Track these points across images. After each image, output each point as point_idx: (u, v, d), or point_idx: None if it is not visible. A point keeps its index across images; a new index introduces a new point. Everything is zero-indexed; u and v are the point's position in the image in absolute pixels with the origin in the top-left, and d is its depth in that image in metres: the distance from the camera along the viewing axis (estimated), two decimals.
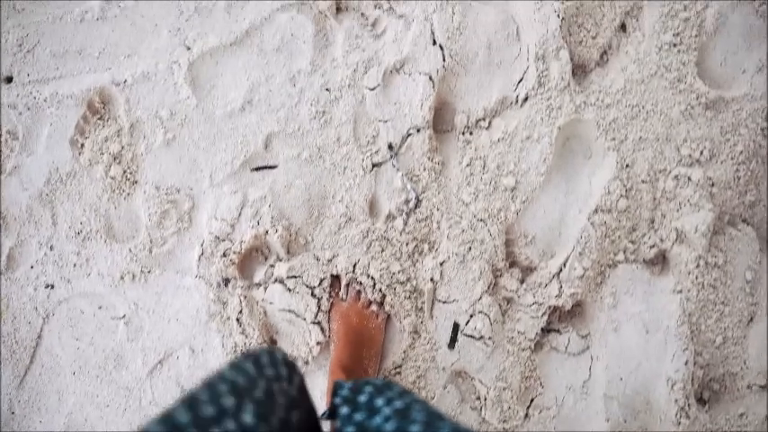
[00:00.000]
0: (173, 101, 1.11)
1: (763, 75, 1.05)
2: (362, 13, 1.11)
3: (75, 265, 1.10)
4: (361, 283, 1.02)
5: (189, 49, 1.11)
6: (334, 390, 0.69)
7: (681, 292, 1.03)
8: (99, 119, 1.12)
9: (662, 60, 1.05)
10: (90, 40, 1.14)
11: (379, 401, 0.61)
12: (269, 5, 1.11)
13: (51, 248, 1.11)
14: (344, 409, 0.63)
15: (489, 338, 1.03)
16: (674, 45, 1.04)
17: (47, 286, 1.10)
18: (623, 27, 1.09)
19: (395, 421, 0.55)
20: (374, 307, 1.02)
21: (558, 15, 1.04)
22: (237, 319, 1.05)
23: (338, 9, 1.11)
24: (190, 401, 0.49)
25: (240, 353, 0.64)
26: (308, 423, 0.61)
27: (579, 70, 1.10)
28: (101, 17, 1.14)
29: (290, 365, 0.62)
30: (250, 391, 0.53)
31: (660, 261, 1.08)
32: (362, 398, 0.63)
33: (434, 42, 1.07)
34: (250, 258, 1.10)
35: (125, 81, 1.12)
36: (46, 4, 1.14)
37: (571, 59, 1.07)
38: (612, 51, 1.09)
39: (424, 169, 1.07)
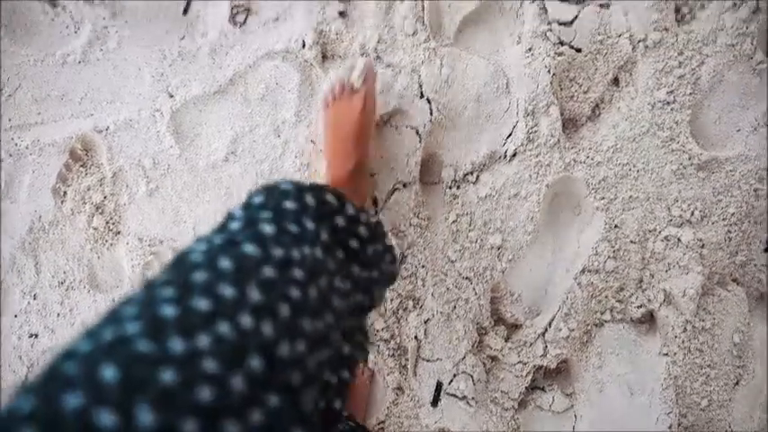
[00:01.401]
0: (156, 150, 1.09)
1: (758, 134, 1.03)
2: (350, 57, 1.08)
3: (58, 314, 1.10)
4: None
5: (172, 96, 1.09)
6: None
7: (667, 355, 1.02)
8: (81, 166, 1.11)
9: (655, 118, 1.02)
10: (72, 85, 1.11)
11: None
12: (253, 53, 1.08)
13: (35, 297, 1.10)
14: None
15: (473, 398, 1.02)
16: (668, 103, 1.02)
17: (30, 336, 1.10)
18: (616, 81, 1.06)
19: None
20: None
21: (549, 71, 1.01)
22: None
23: (324, 57, 1.08)
24: (182, 282, 0.40)
25: (262, 194, 0.55)
26: (340, 280, 0.52)
27: (570, 124, 1.07)
28: (83, 60, 1.11)
29: (322, 213, 0.54)
30: (258, 267, 0.43)
31: (648, 320, 1.07)
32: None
33: (422, 95, 1.05)
34: None
35: (107, 128, 1.10)
36: (27, 47, 1.11)
37: (562, 114, 1.04)
38: (605, 105, 1.06)
39: (410, 225, 1.05)
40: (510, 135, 1.04)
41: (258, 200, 0.53)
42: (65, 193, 1.10)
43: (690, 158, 1.02)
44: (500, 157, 1.05)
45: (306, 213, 0.52)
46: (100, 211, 1.09)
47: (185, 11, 1.11)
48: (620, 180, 1.04)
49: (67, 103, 1.11)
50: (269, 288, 0.42)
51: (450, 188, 1.06)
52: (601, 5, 1.03)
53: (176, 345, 0.34)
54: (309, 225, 0.51)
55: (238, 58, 1.09)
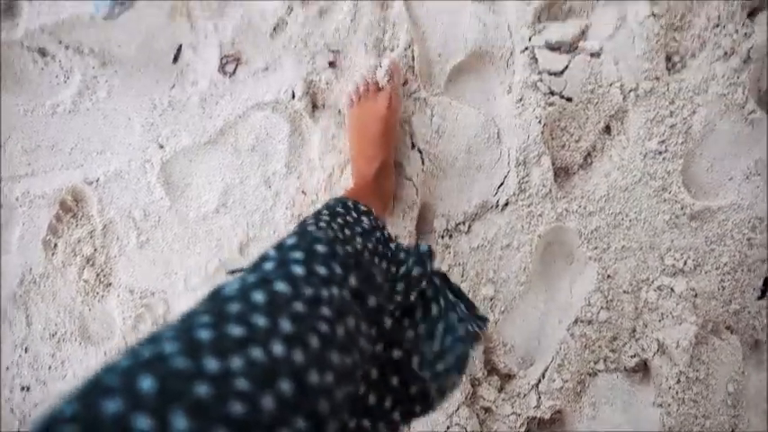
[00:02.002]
0: (146, 201, 1.09)
1: (751, 183, 1.02)
2: (339, 111, 1.07)
3: (50, 367, 1.09)
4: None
5: (162, 147, 1.09)
6: None
7: (661, 406, 1.01)
8: (72, 216, 1.10)
9: (647, 168, 1.02)
10: (62, 135, 1.11)
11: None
12: (243, 103, 1.08)
13: (26, 350, 1.10)
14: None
15: None
16: (660, 153, 1.01)
17: (22, 388, 1.10)
18: (608, 129, 1.05)
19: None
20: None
21: (540, 121, 1.00)
22: None
23: (314, 106, 1.07)
24: (218, 311, 0.42)
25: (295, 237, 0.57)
26: (367, 326, 0.54)
27: (562, 172, 1.07)
28: (73, 110, 1.11)
29: (348, 258, 0.56)
30: (289, 303, 0.45)
31: (641, 369, 1.07)
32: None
33: (413, 146, 1.04)
34: None
35: (98, 179, 1.09)
36: (17, 97, 1.11)
37: (553, 163, 1.04)
38: (596, 154, 1.06)
39: None
40: (501, 185, 1.04)
41: (291, 241, 0.55)
42: (55, 245, 1.10)
43: (682, 208, 1.01)
44: (492, 207, 1.05)
45: (335, 259, 0.55)
46: (90, 263, 1.09)
47: (175, 59, 1.11)
48: (612, 230, 1.03)
49: (58, 154, 1.11)
50: (299, 320, 0.44)
51: (443, 237, 1.06)
52: (591, 55, 1.02)
53: (211, 363, 0.37)
54: (338, 270, 0.54)
55: (228, 108, 1.08)
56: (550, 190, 1.02)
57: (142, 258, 1.08)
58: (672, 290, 1.02)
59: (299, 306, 0.46)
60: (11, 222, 1.09)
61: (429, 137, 1.04)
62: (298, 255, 0.53)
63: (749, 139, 1.02)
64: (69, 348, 1.09)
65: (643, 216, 1.02)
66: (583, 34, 1.04)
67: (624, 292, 1.03)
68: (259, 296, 0.45)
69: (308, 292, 0.48)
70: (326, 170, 1.06)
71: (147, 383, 0.34)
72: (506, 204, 1.04)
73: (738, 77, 1.00)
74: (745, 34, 1.00)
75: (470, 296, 1.04)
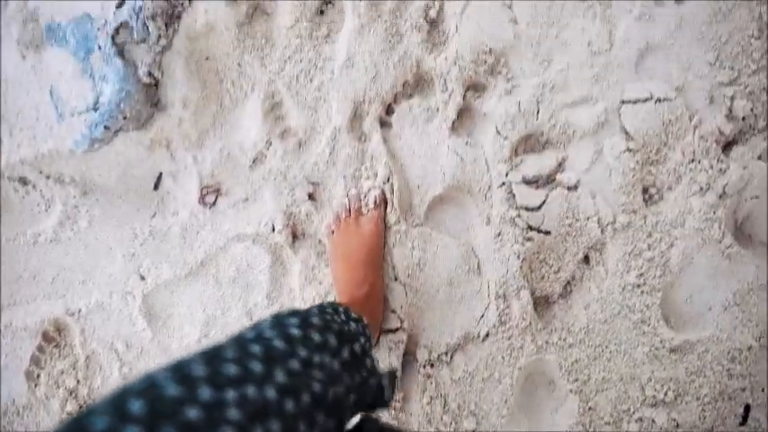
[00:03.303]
0: (128, 332, 1.09)
1: (729, 313, 1.03)
2: (319, 240, 1.08)
3: None
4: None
5: (143, 278, 1.09)
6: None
7: None
8: (55, 347, 1.11)
9: (626, 301, 1.02)
10: (43, 265, 1.11)
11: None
12: (224, 234, 1.08)
13: None
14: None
15: None
16: (638, 286, 1.02)
17: None
18: (587, 259, 1.06)
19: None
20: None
21: (519, 256, 1.01)
22: None
23: (294, 237, 1.08)
24: (212, 355, 0.44)
25: (290, 310, 0.61)
26: (348, 398, 0.56)
27: (542, 302, 1.07)
28: (54, 240, 1.11)
29: (344, 334, 0.59)
30: (285, 359, 0.47)
31: None
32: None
33: (395, 278, 1.05)
34: None
35: (80, 310, 1.10)
36: None
37: (533, 293, 1.04)
38: (576, 283, 1.06)
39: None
40: (482, 316, 1.04)
41: (286, 311, 0.58)
42: (38, 375, 1.10)
43: (662, 341, 1.02)
44: (473, 338, 1.05)
45: (330, 330, 0.58)
46: (73, 395, 1.09)
47: (156, 186, 1.11)
48: (592, 361, 1.04)
49: (40, 284, 1.11)
50: (294, 376, 0.46)
51: (425, 367, 1.06)
52: (568, 188, 1.03)
53: (205, 392, 0.38)
54: (332, 341, 0.56)
55: (209, 239, 1.09)
56: (530, 323, 1.03)
57: None
58: (653, 421, 1.02)
59: (294, 363, 0.48)
60: None
61: (411, 270, 1.04)
62: (294, 320, 0.55)
63: (727, 271, 1.02)
64: None
65: (623, 348, 1.03)
66: (560, 166, 1.04)
67: (606, 423, 1.03)
68: (256, 348, 0.47)
69: (302, 354, 0.50)
70: (307, 301, 1.06)
71: (136, 405, 0.34)
72: (487, 336, 1.04)
73: (715, 213, 1.00)
74: (721, 170, 1.00)
75: (453, 429, 1.05)
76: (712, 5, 1.01)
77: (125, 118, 1.02)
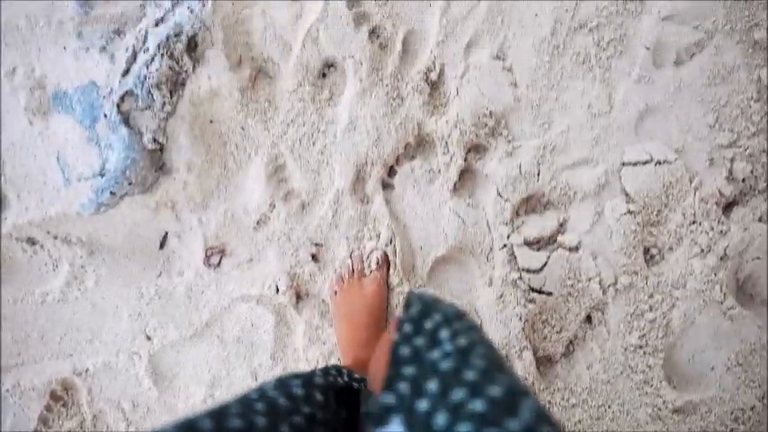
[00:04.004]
0: (134, 392, 1.10)
1: (732, 374, 1.03)
2: (323, 300, 1.09)
3: None
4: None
5: (150, 338, 1.10)
6: (406, 304, 0.62)
7: None
8: (63, 406, 1.12)
9: (628, 361, 1.03)
10: (51, 324, 1.13)
11: (444, 333, 0.52)
12: (228, 295, 1.09)
13: None
14: (407, 327, 0.55)
15: None
16: (641, 347, 1.02)
17: None
18: (589, 318, 1.06)
19: (452, 360, 0.47)
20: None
21: (521, 318, 1.01)
22: None
23: (298, 297, 1.09)
24: (219, 412, 0.46)
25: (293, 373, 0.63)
26: None
27: (545, 361, 1.07)
28: (61, 299, 1.12)
29: (344, 393, 0.62)
30: (289, 415, 0.50)
31: None
32: (428, 324, 0.55)
33: None
34: None
35: (87, 370, 1.11)
36: (6, 286, 1.12)
37: (536, 353, 1.05)
38: (578, 342, 1.07)
39: None
40: None
41: (290, 374, 0.60)
42: None
43: (665, 402, 1.02)
44: None
45: (333, 390, 0.60)
46: None
47: (161, 245, 1.12)
48: (595, 421, 1.04)
49: (47, 343, 1.13)
50: (298, 431, 0.48)
51: None
52: (570, 249, 1.04)
53: None
54: (332, 401, 0.58)
55: (214, 299, 1.10)
56: (533, 383, 1.03)
57: None
58: None
59: (298, 419, 0.49)
60: (2, 413, 1.11)
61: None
62: (297, 381, 0.57)
63: (729, 332, 1.02)
64: None
65: (626, 408, 1.03)
66: (561, 227, 1.05)
67: None
68: (260, 405, 0.49)
69: (306, 410, 0.51)
70: (311, 362, 1.07)
71: None
72: None
73: (716, 275, 1.01)
74: (721, 231, 1.01)
75: None
76: (711, 68, 1.02)
77: (130, 184, 1.04)
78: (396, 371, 0.46)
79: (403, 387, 0.44)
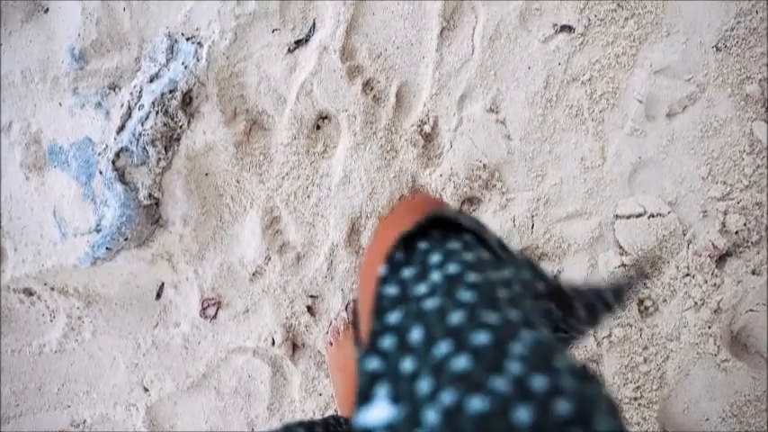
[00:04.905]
0: None
1: (727, 425, 1.03)
2: (319, 351, 1.09)
3: None
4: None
5: (147, 390, 1.11)
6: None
7: None
8: None
9: (623, 414, 1.03)
10: (49, 376, 1.13)
11: (435, 257, 0.40)
12: (225, 346, 1.10)
13: None
14: (398, 254, 0.43)
15: None
16: (635, 399, 1.02)
17: None
18: None
19: (438, 298, 0.35)
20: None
21: None
22: None
23: (294, 347, 1.09)
24: None
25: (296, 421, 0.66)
26: None
27: None
28: (59, 350, 1.13)
29: None
30: None
31: None
32: (423, 245, 0.42)
33: None
34: None
35: (84, 421, 1.11)
36: (4, 337, 1.13)
37: None
38: None
39: None
40: None
41: (293, 422, 0.63)
42: None
43: None
44: None
45: (340, 426, 0.63)
46: None
47: (158, 295, 1.13)
48: None
49: (45, 395, 1.13)
50: None
51: None
52: None
53: None
54: None
55: (210, 350, 1.10)
56: None
57: None
58: None
59: None
60: None
61: None
62: (300, 430, 0.60)
63: (723, 383, 1.03)
64: None
65: None
66: (555, 279, 1.05)
67: None
68: None
69: None
70: (307, 413, 1.08)
71: None
72: None
73: (710, 328, 1.01)
74: (715, 284, 1.01)
75: None
76: (704, 121, 1.03)
77: (126, 239, 1.04)
78: (380, 322, 0.35)
79: (389, 342, 0.33)
